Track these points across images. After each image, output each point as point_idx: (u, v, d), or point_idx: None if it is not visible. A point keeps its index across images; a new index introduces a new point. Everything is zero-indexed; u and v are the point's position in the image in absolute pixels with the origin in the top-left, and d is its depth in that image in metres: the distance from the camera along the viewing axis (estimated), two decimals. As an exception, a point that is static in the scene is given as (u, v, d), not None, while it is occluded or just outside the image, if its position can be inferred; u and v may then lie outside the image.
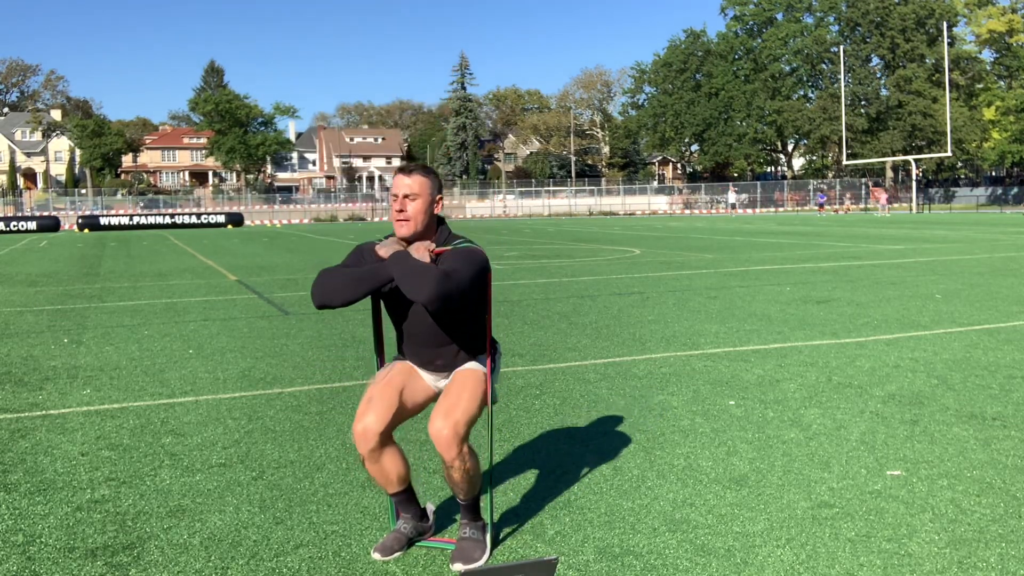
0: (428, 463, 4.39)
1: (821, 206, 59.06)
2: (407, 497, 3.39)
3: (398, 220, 3.16)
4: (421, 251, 3.09)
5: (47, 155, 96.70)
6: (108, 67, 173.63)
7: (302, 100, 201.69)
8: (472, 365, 3.32)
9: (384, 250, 3.12)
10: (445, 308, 3.00)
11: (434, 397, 3.41)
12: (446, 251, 3.13)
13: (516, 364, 6.90)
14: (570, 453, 4.55)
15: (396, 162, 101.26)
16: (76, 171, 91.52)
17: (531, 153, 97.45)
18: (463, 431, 3.12)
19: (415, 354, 3.36)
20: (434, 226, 3.24)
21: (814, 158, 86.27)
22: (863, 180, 75.36)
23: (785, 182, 77.26)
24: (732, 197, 60.45)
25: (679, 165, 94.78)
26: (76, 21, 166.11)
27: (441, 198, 3.25)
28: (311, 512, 3.76)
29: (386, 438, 3.21)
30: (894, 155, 71.02)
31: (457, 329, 3.27)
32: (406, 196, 3.15)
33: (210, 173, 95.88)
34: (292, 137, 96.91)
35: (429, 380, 3.40)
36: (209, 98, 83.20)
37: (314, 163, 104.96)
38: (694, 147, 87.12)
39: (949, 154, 62.54)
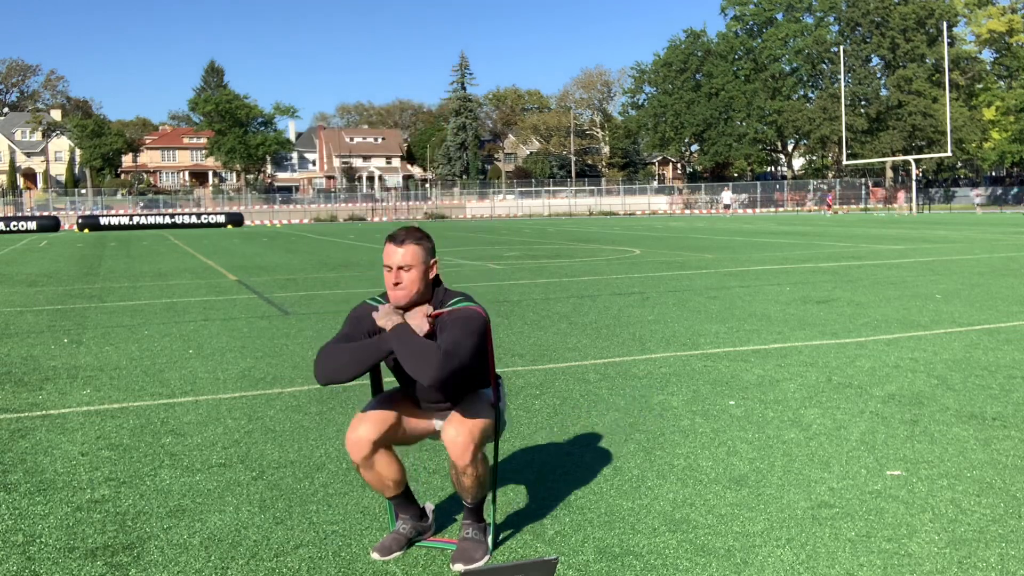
0: (428, 463, 4.39)
1: (828, 205, 58.97)
2: (405, 499, 3.41)
3: (394, 292, 3.17)
4: (419, 316, 3.13)
5: (47, 155, 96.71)
6: (108, 67, 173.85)
7: (302, 100, 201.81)
8: (477, 395, 3.34)
9: (383, 320, 3.12)
10: (449, 384, 3.10)
11: (433, 432, 3.42)
12: (444, 313, 3.15)
13: (516, 364, 6.90)
14: (570, 453, 4.55)
15: (396, 162, 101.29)
16: (76, 171, 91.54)
17: (531, 153, 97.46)
18: (478, 438, 3.17)
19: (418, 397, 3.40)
20: (430, 290, 3.25)
21: (814, 158, 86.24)
22: (863, 180, 75.37)
23: (785, 182, 77.26)
24: (727, 197, 60.17)
25: (679, 165, 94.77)
26: (76, 21, 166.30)
27: (435, 262, 3.25)
28: (311, 512, 3.76)
29: (379, 446, 3.24)
30: (894, 155, 71.00)
31: (461, 384, 3.29)
32: (400, 268, 3.16)
33: (210, 173, 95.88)
34: (292, 137, 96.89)
35: (429, 417, 3.42)
36: (209, 98, 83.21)
37: (314, 163, 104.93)
38: (694, 147, 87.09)
39: (949, 154, 62.51)
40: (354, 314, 3.29)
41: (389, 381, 3.62)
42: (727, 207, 60.55)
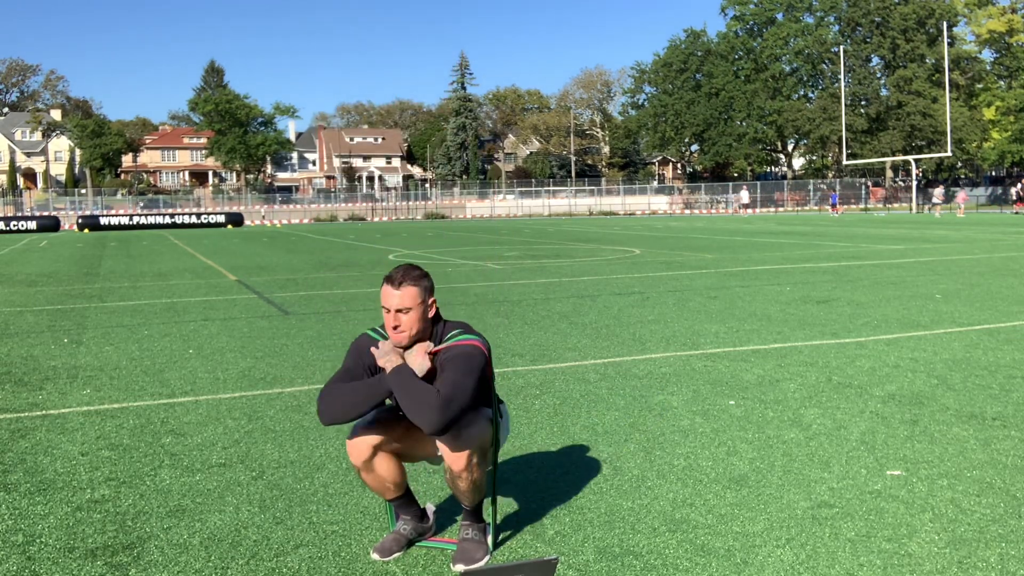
0: (428, 463, 4.38)
1: (834, 206, 58.84)
2: (405, 500, 3.41)
3: (394, 335, 3.16)
4: (420, 354, 3.13)
5: (47, 155, 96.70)
6: (108, 67, 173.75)
7: (302, 100, 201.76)
8: (477, 411, 3.29)
9: (383, 360, 3.12)
10: (450, 430, 3.05)
11: (435, 455, 3.37)
12: (444, 349, 3.15)
13: (516, 364, 6.90)
14: (570, 453, 4.55)
15: (396, 162, 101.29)
16: (76, 171, 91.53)
17: (531, 153, 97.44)
18: (474, 444, 3.15)
19: None
20: (430, 327, 3.23)
21: (814, 158, 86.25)
22: (863, 180, 75.35)
23: (785, 182, 77.23)
24: (745, 196, 59.89)
25: (679, 165, 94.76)
26: (76, 21, 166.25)
27: (434, 300, 3.23)
28: (311, 512, 3.76)
29: (379, 450, 3.24)
30: (894, 155, 71.00)
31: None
32: (399, 311, 3.15)
33: (210, 173, 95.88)
34: (292, 137, 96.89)
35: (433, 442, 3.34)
36: (209, 98, 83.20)
37: (314, 163, 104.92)
38: (694, 147, 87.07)
39: (949, 154, 62.49)
40: (355, 346, 3.30)
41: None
42: (745, 206, 60.24)
